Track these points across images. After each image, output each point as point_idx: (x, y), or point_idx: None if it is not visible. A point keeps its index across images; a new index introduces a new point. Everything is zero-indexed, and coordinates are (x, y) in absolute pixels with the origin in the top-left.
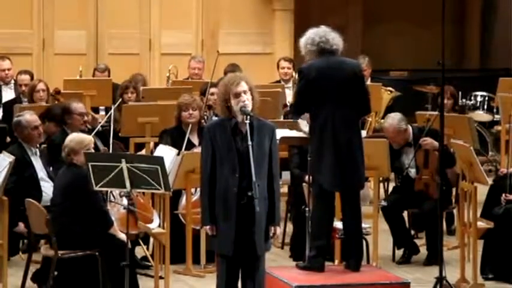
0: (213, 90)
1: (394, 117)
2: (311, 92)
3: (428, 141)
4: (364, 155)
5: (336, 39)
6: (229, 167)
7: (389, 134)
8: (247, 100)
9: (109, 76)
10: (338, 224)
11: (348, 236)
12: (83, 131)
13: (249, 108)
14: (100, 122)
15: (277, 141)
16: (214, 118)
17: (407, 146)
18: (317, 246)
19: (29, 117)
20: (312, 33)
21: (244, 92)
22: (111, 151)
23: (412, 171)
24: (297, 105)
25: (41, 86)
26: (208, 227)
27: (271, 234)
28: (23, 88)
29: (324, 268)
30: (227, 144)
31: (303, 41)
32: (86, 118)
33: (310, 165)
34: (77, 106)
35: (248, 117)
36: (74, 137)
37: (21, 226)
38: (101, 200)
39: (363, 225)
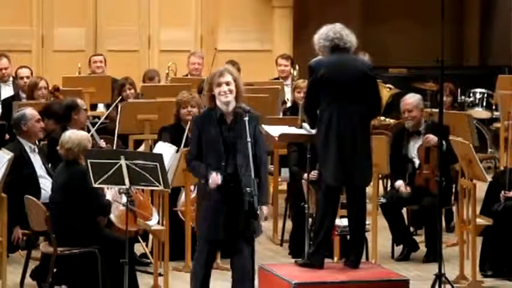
0: None
1: (416, 95)
2: (319, 89)
3: (430, 138)
4: (371, 153)
5: (349, 37)
6: (215, 156)
7: (407, 107)
8: (228, 91)
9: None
10: (337, 221)
11: (351, 232)
12: (83, 128)
13: (229, 98)
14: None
15: (262, 128)
16: None
17: (416, 134)
18: (318, 242)
19: (32, 110)
20: (326, 29)
21: (227, 83)
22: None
23: (417, 163)
24: (307, 105)
25: (43, 83)
26: (213, 174)
27: (260, 214)
28: (24, 80)
29: (324, 265)
30: (214, 134)
31: (316, 36)
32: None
33: (310, 161)
34: (82, 102)
35: (247, 114)
36: (81, 135)
37: (18, 233)
38: (100, 194)
39: None
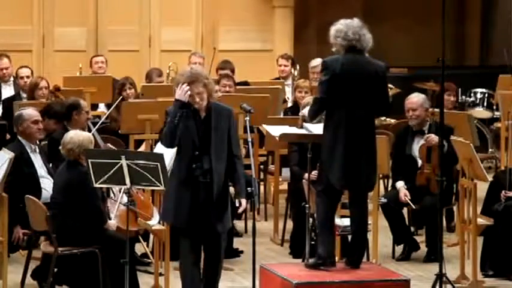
0: None
1: (420, 94)
2: (334, 86)
3: (431, 138)
4: (376, 158)
5: (367, 37)
6: (188, 146)
7: (412, 105)
8: (200, 100)
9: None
10: (338, 221)
11: (354, 232)
12: (83, 129)
13: (202, 103)
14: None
15: (235, 123)
16: None
17: (420, 134)
18: (326, 242)
19: (31, 111)
20: (346, 27)
21: (198, 93)
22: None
23: (420, 162)
24: (321, 100)
25: (43, 83)
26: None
27: (238, 206)
28: (25, 80)
29: (335, 264)
30: (188, 126)
31: (333, 31)
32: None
33: (310, 161)
34: (85, 103)
35: (248, 114)
36: (83, 136)
37: (18, 232)
38: (98, 197)
39: None
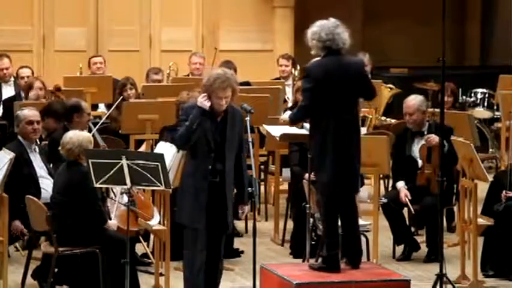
0: None
1: (418, 96)
2: (319, 92)
3: (432, 138)
4: (360, 159)
5: (342, 36)
6: (205, 148)
7: (408, 110)
8: (225, 102)
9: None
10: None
11: (346, 233)
12: (83, 129)
13: (225, 106)
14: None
15: (245, 128)
16: None
17: (419, 135)
18: (332, 245)
19: (28, 112)
20: (320, 28)
21: (226, 97)
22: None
23: (420, 163)
24: (307, 107)
25: (38, 84)
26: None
27: (240, 213)
28: (25, 80)
29: (340, 267)
30: (205, 128)
31: (309, 34)
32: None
33: (311, 164)
34: (87, 105)
35: (248, 114)
36: (82, 136)
37: (18, 226)
38: (98, 197)
39: (363, 222)
